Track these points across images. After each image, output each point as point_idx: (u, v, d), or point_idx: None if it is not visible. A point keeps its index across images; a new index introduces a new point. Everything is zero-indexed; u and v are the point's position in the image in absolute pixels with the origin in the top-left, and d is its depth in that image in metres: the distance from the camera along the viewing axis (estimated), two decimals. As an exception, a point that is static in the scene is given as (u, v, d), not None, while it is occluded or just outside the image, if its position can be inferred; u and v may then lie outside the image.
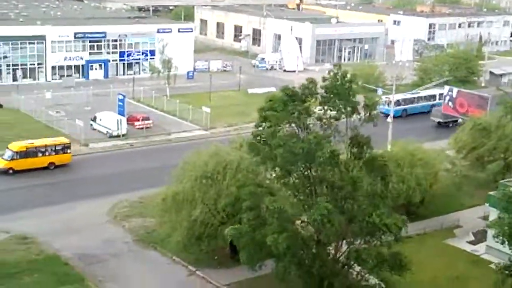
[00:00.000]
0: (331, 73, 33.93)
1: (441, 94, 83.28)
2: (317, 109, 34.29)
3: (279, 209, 31.15)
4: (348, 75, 33.61)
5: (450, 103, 77.26)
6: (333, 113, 33.82)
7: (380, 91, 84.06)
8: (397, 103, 78.44)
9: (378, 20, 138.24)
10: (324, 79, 33.92)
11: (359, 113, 33.77)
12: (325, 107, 33.59)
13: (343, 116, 33.50)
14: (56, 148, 58.33)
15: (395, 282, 35.64)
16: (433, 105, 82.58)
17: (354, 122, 33.86)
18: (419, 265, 40.79)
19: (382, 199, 32.25)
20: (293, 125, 33.35)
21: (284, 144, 31.68)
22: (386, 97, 78.33)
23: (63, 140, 59.79)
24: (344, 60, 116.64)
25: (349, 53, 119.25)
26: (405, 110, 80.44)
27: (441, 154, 52.73)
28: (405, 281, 37.06)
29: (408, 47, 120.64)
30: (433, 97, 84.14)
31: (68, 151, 58.84)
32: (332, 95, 33.35)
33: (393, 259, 31.97)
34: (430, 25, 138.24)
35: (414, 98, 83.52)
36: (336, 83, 33.41)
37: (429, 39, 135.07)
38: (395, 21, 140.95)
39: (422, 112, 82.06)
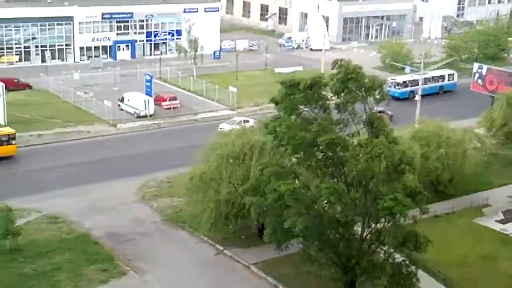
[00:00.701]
0: (336, 66, 33.89)
1: (450, 75, 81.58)
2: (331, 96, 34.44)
3: (296, 192, 31.47)
4: (352, 66, 33.46)
5: (479, 81, 76.24)
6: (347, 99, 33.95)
7: (408, 69, 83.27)
8: (404, 84, 77.27)
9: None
10: (332, 77, 33.88)
11: (373, 95, 33.70)
12: (338, 96, 33.68)
13: (359, 99, 33.51)
14: (1, 139, 54.29)
15: (423, 261, 35.60)
16: (442, 86, 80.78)
17: (370, 104, 33.84)
18: (447, 244, 40.69)
19: (397, 179, 32.18)
20: (307, 110, 33.80)
21: (288, 133, 32.15)
22: (392, 79, 76.91)
23: (8, 130, 55.70)
24: (372, 37, 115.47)
25: (376, 30, 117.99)
26: (412, 92, 75.83)
27: (469, 132, 52.24)
28: (434, 259, 37.06)
29: (437, 24, 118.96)
30: (442, 77, 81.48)
31: (13, 142, 54.56)
32: (344, 85, 33.34)
33: (412, 238, 31.92)
34: (459, 1, 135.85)
35: (422, 79, 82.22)
36: (344, 76, 33.29)
37: (458, 15, 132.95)
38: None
39: (431, 93, 77.78)
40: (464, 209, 47.05)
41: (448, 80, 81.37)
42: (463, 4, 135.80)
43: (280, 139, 33.19)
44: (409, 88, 77.53)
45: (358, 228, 34.18)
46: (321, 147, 32.33)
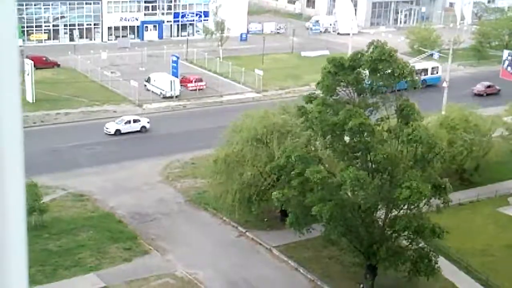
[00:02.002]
0: (371, 47, 33.81)
1: (434, 68, 77.07)
2: (366, 77, 34.36)
3: (323, 179, 31.54)
4: (387, 46, 33.31)
5: (509, 68, 75.19)
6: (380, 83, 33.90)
7: (436, 55, 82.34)
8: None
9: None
10: (366, 52, 33.81)
11: (405, 80, 33.54)
12: (373, 77, 33.61)
13: (392, 83, 33.37)
14: None
15: (446, 248, 35.47)
16: (424, 80, 71.45)
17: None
18: (471, 232, 40.45)
19: (423, 166, 32.02)
20: (345, 91, 33.79)
21: (320, 115, 32.10)
22: None
23: None
24: (400, 22, 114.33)
25: (405, 15, 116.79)
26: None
27: (497, 120, 51.63)
28: (457, 247, 36.89)
29: (467, 10, 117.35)
30: (424, 71, 75.30)
31: None
32: (378, 66, 33.24)
33: (426, 227, 31.85)
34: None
35: None
36: (378, 56, 33.18)
37: (489, 1, 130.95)
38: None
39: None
40: (488, 198, 46.64)
41: (432, 73, 76.45)
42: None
43: (310, 122, 33.32)
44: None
45: (381, 214, 34.18)
46: (348, 132, 32.36)
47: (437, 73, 76.66)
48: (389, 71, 32.95)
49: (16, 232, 1.34)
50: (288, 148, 34.38)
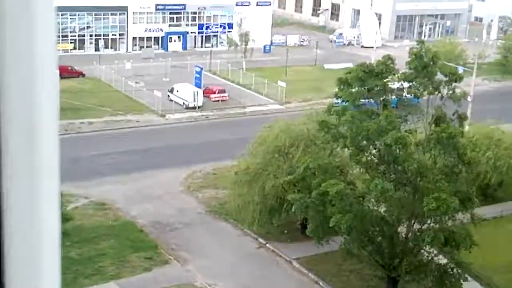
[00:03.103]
0: (414, 50, 33.43)
1: None
2: (396, 85, 33.95)
3: (342, 192, 31.32)
4: (433, 52, 33.01)
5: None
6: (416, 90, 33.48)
7: (460, 69, 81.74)
8: None
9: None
10: (410, 57, 33.44)
11: (440, 92, 33.21)
12: (406, 84, 33.22)
13: (425, 93, 33.06)
14: None
15: (468, 264, 35.05)
16: (403, 98, 72.90)
17: (435, 100, 33.36)
18: (494, 248, 39.94)
19: (450, 179, 31.68)
20: (371, 100, 33.37)
21: (352, 123, 31.67)
22: None
23: None
24: (425, 36, 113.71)
25: (430, 29, 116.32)
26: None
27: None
28: (479, 264, 36.45)
29: (493, 24, 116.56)
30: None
31: None
32: (415, 72, 32.88)
33: (452, 237, 31.44)
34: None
35: None
36: (420, 61, 32.87)
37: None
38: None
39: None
40: (512, 214, 46.11)
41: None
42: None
43: (336, 130, 32.70)
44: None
45: (403, 227, 33.91)
46: (380, 142, 31.82)
47: None
48: (430, 77, 32.47)
49: (50, 239, 1.37)
50: (309, 159, 34.20)
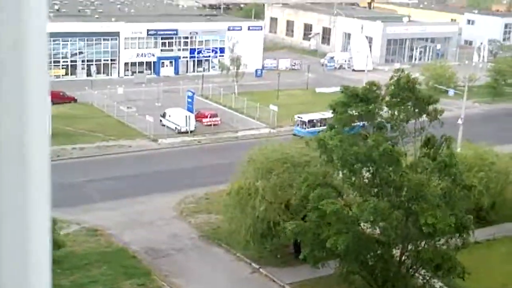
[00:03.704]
0: (394, 78, 33.84)
1: None
2: (384, 111, 34.21)
3: (337, 211, 31.27)
4: (412, 77, 33.37)
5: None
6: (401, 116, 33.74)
7: (451, 92, 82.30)
8: (311, 123, 68.64)
9: (451, 19, 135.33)
10: (388, 86, 33.82)
11: (428, 114, 33.44)
12: (393, 111, 33.51)
13: (411, 117, 33.31)
14: None
15: (462, 287, 34.96)
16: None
17: (422, 123, 33.55)
18: (487, 271, 39.84)
19: (448, 201, 31.71)
20: (359, 127, 33.63)
21: (341, 146, 31.88)
22: (298, 117, 69.88)
23: None
24: (415, 60, 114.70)
25: (420, 52, 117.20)
26: (322, 132, 68.48)
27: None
28: (473, 287, 36.31)
29: (483, 47, 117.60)
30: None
31: None
32: (398, 99, 33.21)
33: (448, 262, 31.40)
34: (506, 25, 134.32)
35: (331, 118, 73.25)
36: (401, 87, 33.19)
37: (504, 39, 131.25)
38: (469, 21, 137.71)
39: None
40: (505, 236, 46.07)
41: None
42: (510, 28, 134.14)
43: (330, 153, 33.01)
44: (316, 128, 66.16)
45: (396, 251, 33.83)
46: (371, 164, 31.96)
47: None
48: (413, 102, 32.81)
49: (41, 267, 1.37)
50: (310, 178, 34.12)
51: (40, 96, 1.32)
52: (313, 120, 69.69)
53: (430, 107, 33.55)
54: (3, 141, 1.22)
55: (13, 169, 1.24)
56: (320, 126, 66.89)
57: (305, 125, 68.52)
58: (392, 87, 33.64)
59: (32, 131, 1.28)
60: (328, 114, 67.80)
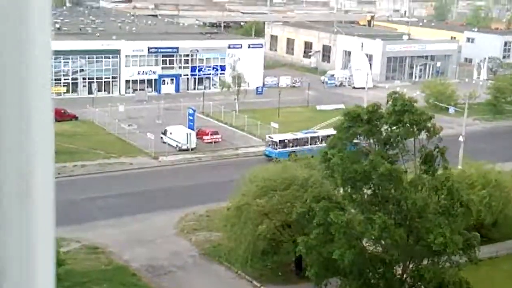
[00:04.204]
0: (390, 100, 34.09)
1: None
2: (384, 129, 34.33)
3: (346, 224, 31.12)
4: (407, 97, 33.64)
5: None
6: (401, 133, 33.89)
7: (451, 109, 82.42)
8: (282, 144, 66.34)
9: (451, 37, 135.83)
10: (386, 109, 34.10)
11: (427, 131, 33.53)
12: (392, 128, 33.65)
13: (411, 134, 33.40)
14: None
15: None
16: None
17: (422, 140, 33.63)
18: (489, 289, 39.67)
19: (448, 218, 31.62)
20: (362, 144, 33.74)
21: (341, 164, 31.96)
22: (269, 137, 67.64)
23: None
24: (415, 77, 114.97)
25: (420, 70, 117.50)
26: (294, 152, 62.36)
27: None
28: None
29: (483, 65, 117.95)
30: (324, 138, 64.71)
31: None
32: (396, 119, 33.38)
33: (452, 279, 31.23)
34: (506, 43, 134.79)
35: (306, 138, 68.07)
36: (397, 109, 33.38)
37: (504, 57, 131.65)
38: (468, 39, 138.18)
39: None
40: (508, 254, 45.90)
41: None
42: (509, 46, 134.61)
43: (332, 170, 33.11)
44: (288, 149, 65.38)
45: (398, 269, 33.68)
46: (372, 182, 32.04)
47: None
48: (409, 122, 32.98)
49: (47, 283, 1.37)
50: (312, 195, 34.11)
51: (45, 114, 1.33)
52: (284, 140, 67.13)
53: (428, 124, 33.64)
54: (7, 158, 1.23)
55: (17, 187, 1.25)
56: (292, 146, 66.04)
57: (276, 145, 65.99)
58: (390, 109, 33.87)
59: (36, 148, 1.29)
60: (300, 135, 68.19)
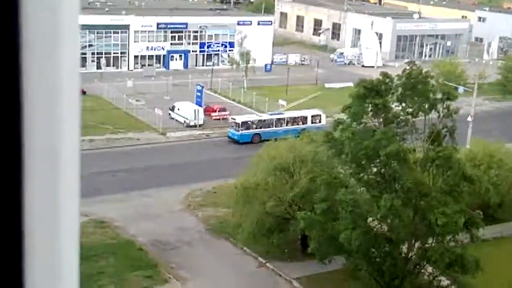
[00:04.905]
0: (406, 71, 33.59)
1: (315, 116, 66.25)
2: (394, 105, 34.05)
3: (353, 202, 31.07)
4: (423, 71, 33.12)
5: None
6: (411, 109, 33.53)
7: (461, 89, 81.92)
8: (245, 125, 63.40)
9: (462, 16, 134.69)
10: (399, 77, 33.61)
11: (437, 110, 33.24)
12: (403, 104, 33.29)
13: (420, 113, 33.12)
14: None
15: (470, 285, 34.84)
16: (303, 129, 59.48)
17: (432, 119, 33.40)
18: (495, 269, 39.69)
19: (454, 197, 31.54)
20: (373, 119, 33.38)
21: (353, 139, 31.62)
22: (232, 118, 65.29)
23: None
24: (425, 56, 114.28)
25: (430, 49, 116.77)
26: (257, 134, 62.68)
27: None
28: (480, 284, 36.18)
29: (493, 44, 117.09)
30: (304, 119, 65.91)
31: None
32: (409, 92, 32.96)
33: (459, 260, 31.24)
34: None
35: (271, 120, 65.34)
36: (412, 80, 32.95)
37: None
38: (480, 18, 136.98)
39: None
40: (513, 234, 45.92)
41: (313, 122, 65.28)
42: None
43: (339, 147, 32.76)
44: (252, 130, 63.37)
45: (403, 248, 33.74)
46: (380, 158, 31.79)
47: (319, 121, 65.84)
48: (422, 96, 32.57)
49: (70, 244, 1.41)
50: (314, 173, 34.00)
51: (73, 91, 1.35)
52: (247, 122, 64.02)
53: (444, 104, 33.25)
54: (35, 136, 1.26)
55: (46, 158, 1.29)
56: (256, 128, 63.67)
57: (239, 127, 62.91)
58: (404, 79, 33.33)
59: (64, 125, 1.31)
60: (266, 116, 66.51)
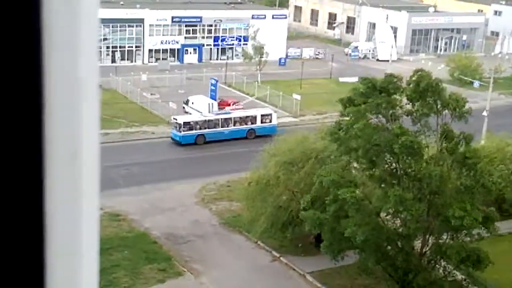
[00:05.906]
0: (414, 77, 33.46)
1: (265, 115, 64.04)
2: (405, 103, 33.98)
3: (359, 201, 31.10)
4: (433, 78, 33.01)
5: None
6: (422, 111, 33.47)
7: (476, 83, 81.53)
8: (188, 126, 59.97)
9: (478, 10, 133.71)
10: (408, 83, 33.53)
11: (450, 110, 33.11)
12: (415, 104, 33.25)
13: (432, 113, 33.05)
14: None
15: (483, 280, 34.83)
16: (251, 129, 62.05)
17: (444, 118, 33.30)
18: (509, 263, 39.57)
19: (469, 194, 31.46)
20: (380, 116, 33.26)
21: (362, 135, 31.54)
22: (174, 118, 61.29)
23: None
24: (440, 50, 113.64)
25: (445, 43, 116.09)
26: (202, 135, 60.51)
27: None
28: (495, 279, 36.16)
29: (509, 39, 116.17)
30: (252, 119, 63.37)
31: None
32: (419, 95, 32.88)
33: (474, 255, 31.18)
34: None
35: (217, 120, 62.10)
36: (421, 89, 32.79)
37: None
38: (496, 12, 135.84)
39: (236, 138, 61.16)
40: (528, 230, 45.70)
41: (262, 122, 63.33)
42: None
43: (349, 142, 32.58)
44: (195, 131, 60.28)
45: (417, 243, 33.74)
46: (392, 154, 31.68)
47: (270, 121, 63.84)
48: (432, 100, 32.55)
49: (90, 247, 1.42)
50: (322, 173, 33.92)
51: (91, 90, 1.37)
52: (190, 122, 60.41)
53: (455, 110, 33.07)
54: (58, 121, 1.27)
55: (67, 149, 1.31)
56: (200, 129, 60.56)
57: (181, 127, 59.31)
58: (414, 85, 33.26)
59: (84, 120, 1.33)
60: (211, 116, 62.85)
